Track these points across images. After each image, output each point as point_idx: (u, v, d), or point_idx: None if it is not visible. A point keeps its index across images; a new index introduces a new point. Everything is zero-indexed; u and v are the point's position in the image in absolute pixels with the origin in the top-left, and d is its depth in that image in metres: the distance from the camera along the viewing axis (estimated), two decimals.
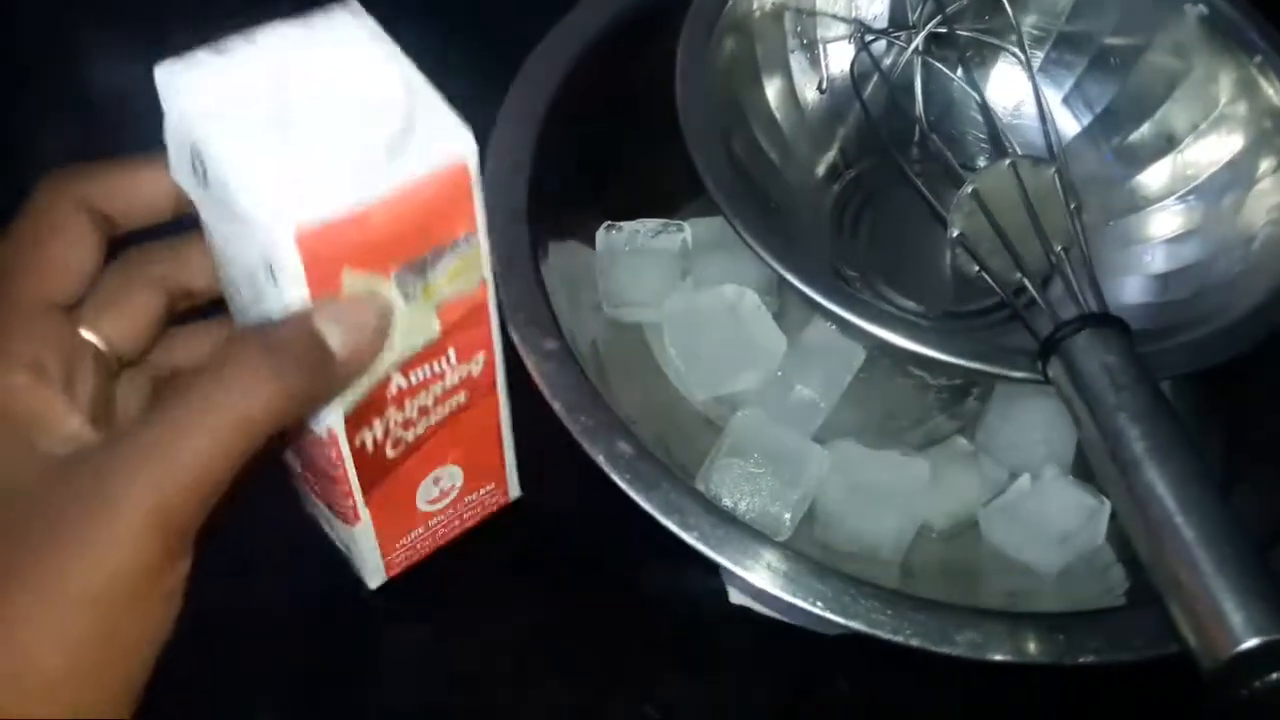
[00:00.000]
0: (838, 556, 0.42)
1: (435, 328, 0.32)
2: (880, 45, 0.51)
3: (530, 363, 0.36)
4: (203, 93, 0.29)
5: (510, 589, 0.41)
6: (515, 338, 0.37)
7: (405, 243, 0.29)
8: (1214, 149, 0.47)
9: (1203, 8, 0.47)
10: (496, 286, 0.33)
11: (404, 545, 0.38)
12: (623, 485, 0.35)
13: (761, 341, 0.44)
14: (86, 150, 0.32)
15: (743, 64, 0.47)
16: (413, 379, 0.32)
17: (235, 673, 0.39)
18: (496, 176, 0.41)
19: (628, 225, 0.46)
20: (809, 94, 0.51)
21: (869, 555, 0.42)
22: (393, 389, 0.32)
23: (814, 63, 0.51)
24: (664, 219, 0.46)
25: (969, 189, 0.40)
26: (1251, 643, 0.27)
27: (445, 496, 0.38)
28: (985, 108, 0.47)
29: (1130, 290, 0.47)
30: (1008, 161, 0.40)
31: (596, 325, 0.46)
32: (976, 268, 0.40)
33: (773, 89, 0.49)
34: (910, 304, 0.47)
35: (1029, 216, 0.39)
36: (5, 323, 0.28)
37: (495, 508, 0.40)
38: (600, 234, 0.46)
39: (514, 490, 0.41)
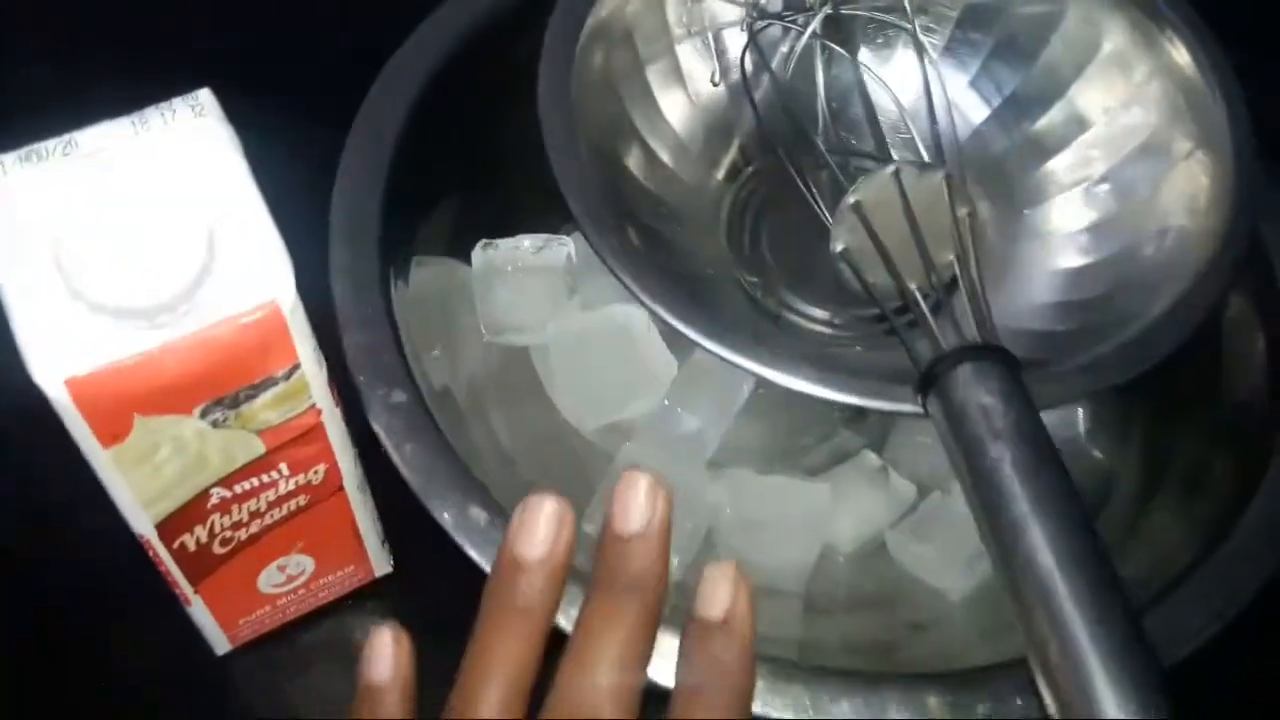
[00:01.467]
0: None
1: (258, 447, 0.31)
2: (776, 31, 0.48)
3: (376, 423, 0.34)
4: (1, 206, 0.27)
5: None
6: (360, 392, 0.34)
7: (207, 383, 0.28)
8: (1126, 133, 0.44)
9: None
10: (340, 355, 0.31)
11: (248, 621, 0.38)
12: (473, 555, 0.32)
13: (652, 365, 0.42)
14: None
15: (622, 60, 0.44)
16: (237, 489, 0.32)
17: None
18: (346, 200, 0.38)
19: (505, 242, 0.43)
20: (702, 87, 0.48)
21: (770, 588, 0.40)
22: (214, 499, 0.31)
23: (705, 52, 0.48)
24: (546, 234, 0.43)
25: (850, 200, 0.37)
26: None
27: (293, 581, 0.37)
28: (868, 104, 0.44)
29: (1040, 288, 0.44)
30: (891, 169, 0.37)
31: (477, 350, 0.43)
32: (860, 286, 0.38)
33: (659, 84, 0.46)
34: (816, 311, 0.45)
35: (911, 230, 0.36)
36: None
37: (357, 585, 0.39)
38: (476, 253, 0.43)
39: (381, 568, 0.39)
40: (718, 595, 0.27)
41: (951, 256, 0.38)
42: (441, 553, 0.35)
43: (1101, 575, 0.27)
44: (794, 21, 0.47)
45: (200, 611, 0.36)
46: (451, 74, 0.42)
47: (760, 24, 0.47)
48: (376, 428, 0.34)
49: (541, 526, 0.27)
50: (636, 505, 0.27)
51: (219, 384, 0.29)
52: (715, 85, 0.48)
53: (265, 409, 0.30)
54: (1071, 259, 0.45)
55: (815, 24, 0.47)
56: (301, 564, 0.37)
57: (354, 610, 0.40)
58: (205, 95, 0.30)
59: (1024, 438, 0.30)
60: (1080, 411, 0.43)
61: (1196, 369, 0.41)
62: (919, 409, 0.33)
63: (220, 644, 0.38)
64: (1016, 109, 0.47)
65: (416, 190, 0.40)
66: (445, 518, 0.32)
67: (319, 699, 0.39)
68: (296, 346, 0.29)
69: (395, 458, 0.33)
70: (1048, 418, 0.42)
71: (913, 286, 0.37)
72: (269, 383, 0.29)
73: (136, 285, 0.26)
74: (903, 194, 0.37)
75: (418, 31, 0.42)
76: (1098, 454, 0.43)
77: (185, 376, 0.28)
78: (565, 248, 0.43)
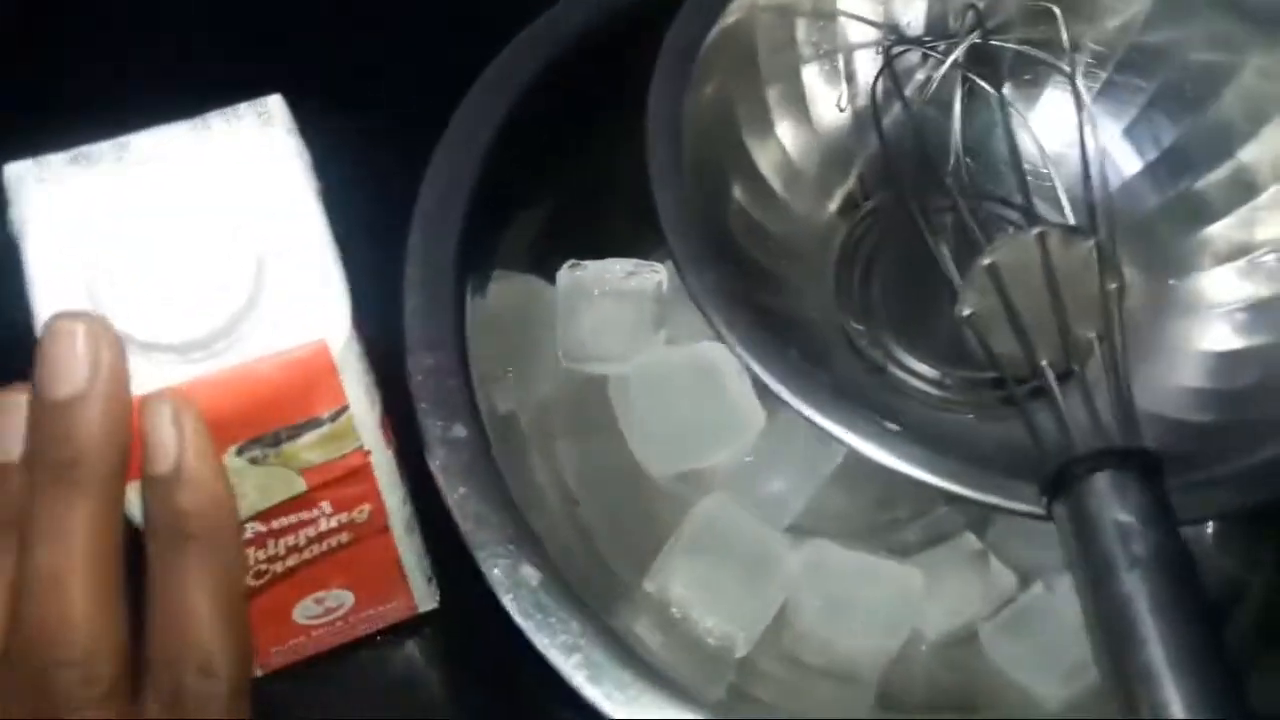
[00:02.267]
0: (807, 672, 0.36)
1: (299, 485, 0.28)
2: (913, 58, 0.44)
3: (433, 461, 0.31)
4: (37, 211, 0.26)
5: (399, 691, 0.37)
6: (421, 423, 0.31)
7: (243, 421, 0.26)
8: None
9: None
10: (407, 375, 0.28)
11: (280, 651, 0.35)
12: (518, 619, 0.29)
13: (739, 413, 0.38)
14: None
15: (741, 79, 0.40)
16: (275, 525, 0.29)
17: None
18: (428, 212, 0.35)
19: (594, 264, 0.40)
20: (824, 112, 0.44)
21: (844, 674, 0.36)
22: (249, 533, 0.29)
23: (833, 75, 0.44)
24: (636, 259, 0.40)
25: (985, 262, 0.33)
26: None
27: (331, 614, 0.34)
28: (1010, 146, 0.39)
29: (1183, 370, 0.39)
30: (1035, 231, 0.33)
31: (552, 374, 0.40)
32: (986, 356, 0.34)
33: (779, 106, 0.42)
34: (926, 369, 0.40)
35: (1052, 301, 0.32)
36: None
37: (399, 619, 0.37)
38: (563, 273, 0.40)
39: (425, 604, 0.37)
40: (162, 444, 0.24)
41: (1093, 335, 0.33)
42: (491, 592, 0.32)
43: None
44: (935, 48, 0.43)
45: None
46: (547, 88, 0.39)
47: (898, 49, 0.43)
48: (432, 465, 0.31)
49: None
50: (72, 359, 0.23)
51: (257, 423, 0.26)
52: (841, 110, 0.44)
53: (308, 449, 0.28)
54: (1223, 340, 0.40)
55: (959, 52, 0.42)
56: (340, 598, 0.34)
57: (393, 644, 0.38)
58: (274, 101, 0.28)
59: (1165, 570, 0.25)
60: None
61: None
62: (1041, 511, 0.29)
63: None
64: (1175, 165, 0.42)
65: (502, 204, 0.37)
66: (495, 574, 0.29)
67: None
68: (346, 388, 0.27)
69: (449, 501, 0.30)
70: None
71: (1045, 364, 0.33)
72: (313, 424, 0.27)
73: (170, 319, 0.24)
74: (1046, 260, 0.32)
75: (514, 42, 0.39)
76: (1226, 561, 0.38)
77: (219, 412, 0.25)
78: (657, 275, 0.40)
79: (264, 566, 0.31)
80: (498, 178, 0.37)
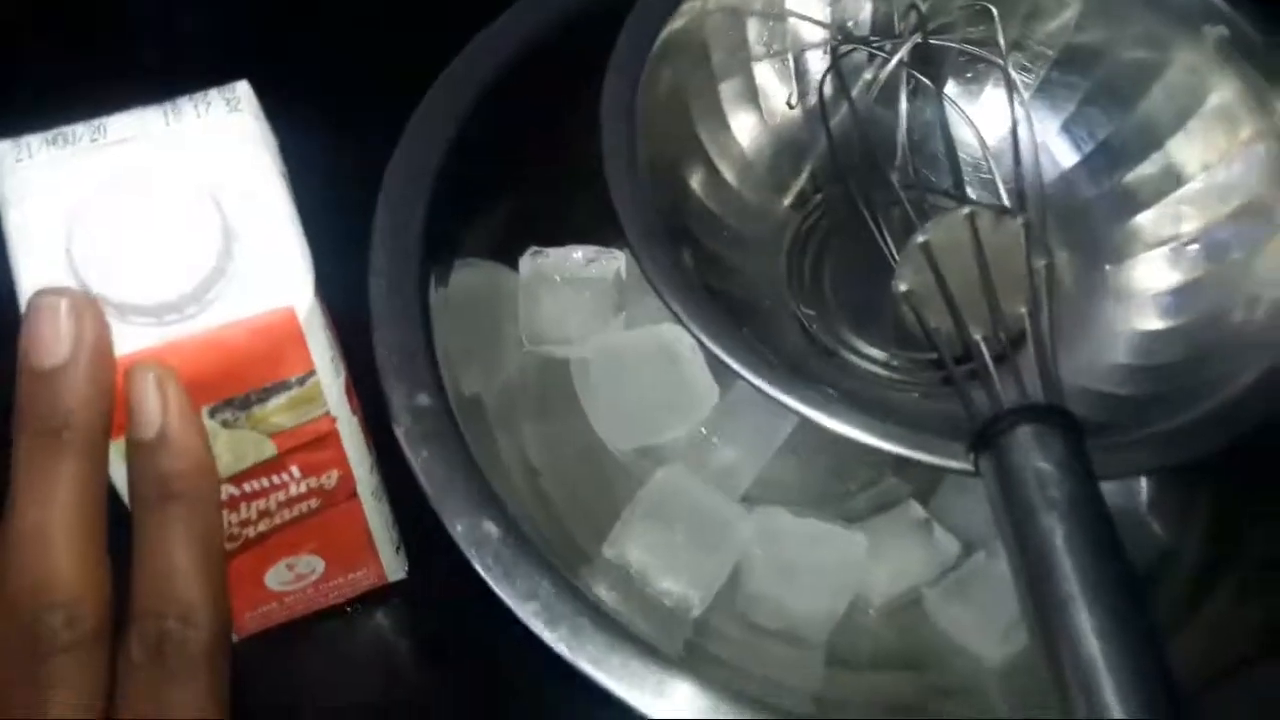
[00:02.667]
0: (760, 632, 0.38)
1: (269, 449, 0.30)
2: (860, 57, 0.46)
3: (397, 426, 0.32)
4: (17, 189, 0.27)
5: (369, 659, 0.38)
6: (385, 393, 0.33)
7: (215, 384, 0.27)
8: (1224, 192, 0.42)
9: (1224, 29, 0.41)
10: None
11: (254, 616, 0.37)
12: (481, 571, 0.31)
13: (693, 390, 0.40)
14: None
15: (694, 74, 0.43)
16: (246, 488, 0.31)
17: None
18: (392, 197, 0.37)
19: (556, 251, 0.42)
20: (777, 108, 0.46)
21: (793, 635, 0.38)
22: (222, 496, 0.30)
23: (784, 73, 0.46)
24: (596, 246, 0.42)
25: (919, 240, 0.35)
26: None
27: (302, 580, 0.36)
28: (949, 140, 0.41)
29: (1115, 348, 0.42)
30: (966, 210, 0.35)
31: (515, 359, 0.42)
32: (922, 331, 0.36)
33: (732, 102, 0.44)
34: (874, 351, 0.43)
35: (982, 277, 0.34)
36: None
37: (369, 588, 0.38)
38: (525, 260, 0.42)
39: (395, 573, 0.38)
40: (146, 410, 0.25)
41: (1022, 309, 0.35)
42: (460, 562, 0.34)
43: (1152, 672, 0.25)
44: (880, 48, 0.45)
45: None
46: (512, 80, 0.41)
47: (845, 48, 0.45)
48: (397, 431, 0.32)
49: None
50: (57, 332, 0.24)
51: (228, 385, 0.28)
52: (791, 108, 0.46)
53: (277, 413, 0.29)
54: (1152, 320, 0.42)
55: (903, 52, 0.45)
56: (311, 564, 0.36)
57: (364, 613, 0.39)
58: (243, 88, 0.29)
59: (1080, 512, 0.27)
60: (1143, 481, 0.40)
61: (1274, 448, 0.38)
62: (969, 467, 0.31)
63: None
64: (1109, 157, 0.45)
65: (467, 192, 0.39)
66: (457, 529, 0.31)
67: (316, 698, 0.39)
68: (312, 353, 0.28)
69: (413, 463, 0.32)
70: (1106, 486, 0.40)
71: (977, 337, 0.35)
72: (281, 387, 0.29)
73: (144, 282, 0.26)
74: (976, 238, 0.35)
75: (479, 36, 0.41)
76: (1158, 527, 0.40)
77: (191, 375, 0.27)
78: (616, 262, 0.41)
79: (236, 530, 0.33)
80: (462, 166, 0.39)
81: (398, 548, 0.37)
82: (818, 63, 0.46)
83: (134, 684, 0.25)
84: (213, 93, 0.29)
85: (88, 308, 0.25)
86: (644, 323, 0.41)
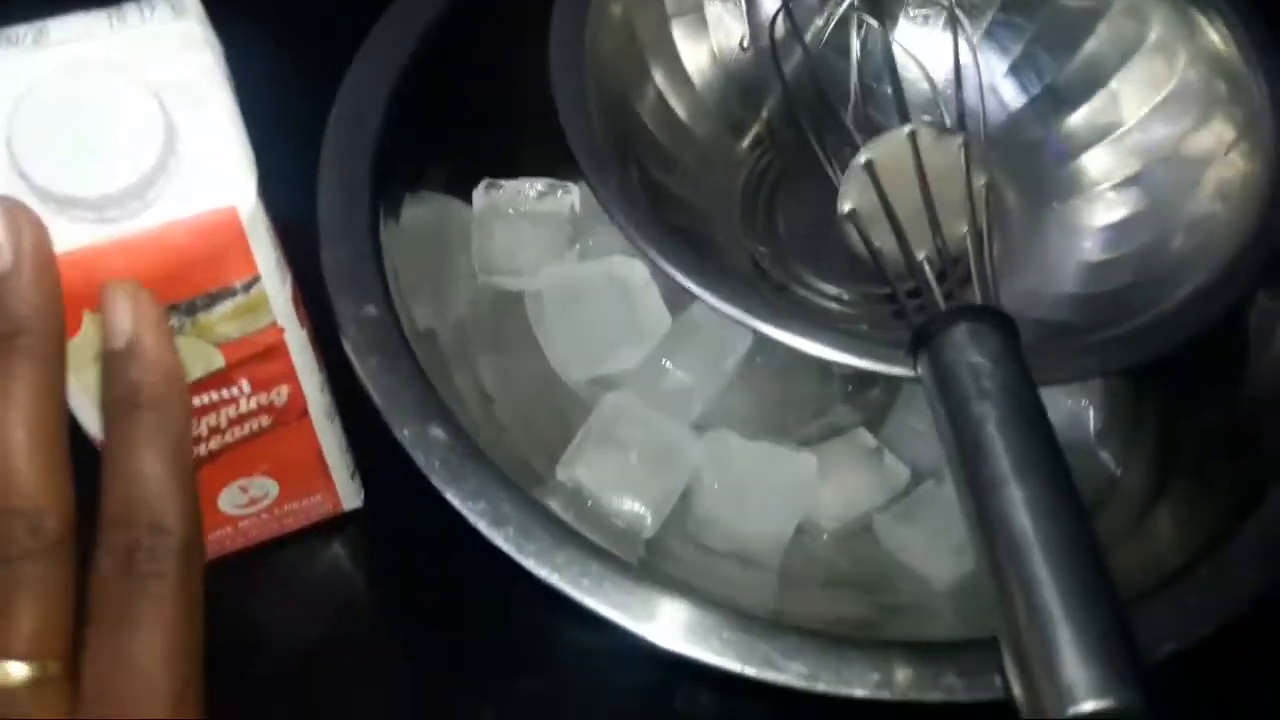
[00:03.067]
0: (711, 554, 0.38)
1: (217, 360, 0.30)
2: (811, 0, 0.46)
3: (345, 337, 0.33)
4: None
5: (325, 589, 0.38)
6: (333, 307, 0.33)
7: (159, 286, 0.27)
8: (1165, 127, 0.43)
9: None
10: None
11: (208, 541, 0.36)
12: (426, 473, 0.31)
13: (645, 320, 0.40)
14: None
15: (646, 9, 0.43)
16: (197, 402, 0.31)
17: None
18: (344, 121, 0.37)
19: (510, 184, 0.42)
20: (730, 48, 0.46)
21: (744, 556, 0.38)
22: None
23: (737, 14, 0.46)
24: (550, 179, 0.42)
25: (861, 159, 0.36)
26: (1086, 707, 0.23)
27: (256, 504, 0.36)
28: (897, 80, 0.42)
29: (1063, 279, 0.42)
30: (907, 129, 0.36)
31: (469, 293, 0.42)
32: (867, 251, 0.36)
33: (685, 40, 0.45)
34: (826, 286, 0.43)
35: (923, 194, 0.35)
36: None
37: (327, 516, 0.38)
38: (479, 192, 0.42)
39: (350, 501, 0.38)
40: (118, 321, 0.26)
41: (964, 228, 0.36)
42: (418, 492, 0.34)
43: (1080, 542, 0.26)
44: None
45: None
46: (469, 10, 0.41)
47: None
48: (345, 342, 0.33)
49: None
50: None
51: (173, 288, 0.28)
52: (744, 50, 0.47)
53: (224, 321, 0.29)
54: (1098, 252, 0.43)
55: None
56: (265, 487, 0.36)
57: (319, 541, 0.39)
58: None
59: (1011, 398, 0.28)
60: (1091, 412, 0.41)
61: (1215, 369, 0.39)
62: (909, 371, 0.32)
63: None
64: (1055, 98, 0.46)
65: (419, 123, 0.39)
66: (404, 434, 0.31)
67: (272, 627, 0.38)
68: (256, 257, 0.28)
69: (360, 372, 0.32)
70: (1056, 415, 0.40)
71: (920, 255, 0.36)
72: (227, 293, 0.29)
73: (85, 176, 0.25)
74: (917, 156, 0.35)
75: None
76: (1105, 455, 0.41)
77: (136, 276, 0.27)
78: (570, 195, 0.42)
79: None
80: (416, 93, 0.39)
81: (352, 474, 0.38)
82: (770, 3, 0.46)
83: (102, 596, 0.24)
84: None
85: (24, 214, 0.25)
86: (598, 256, 0.42)
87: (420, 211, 0.41)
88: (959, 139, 0.36)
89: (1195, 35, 0.41)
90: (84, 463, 0.26)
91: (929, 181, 0.36)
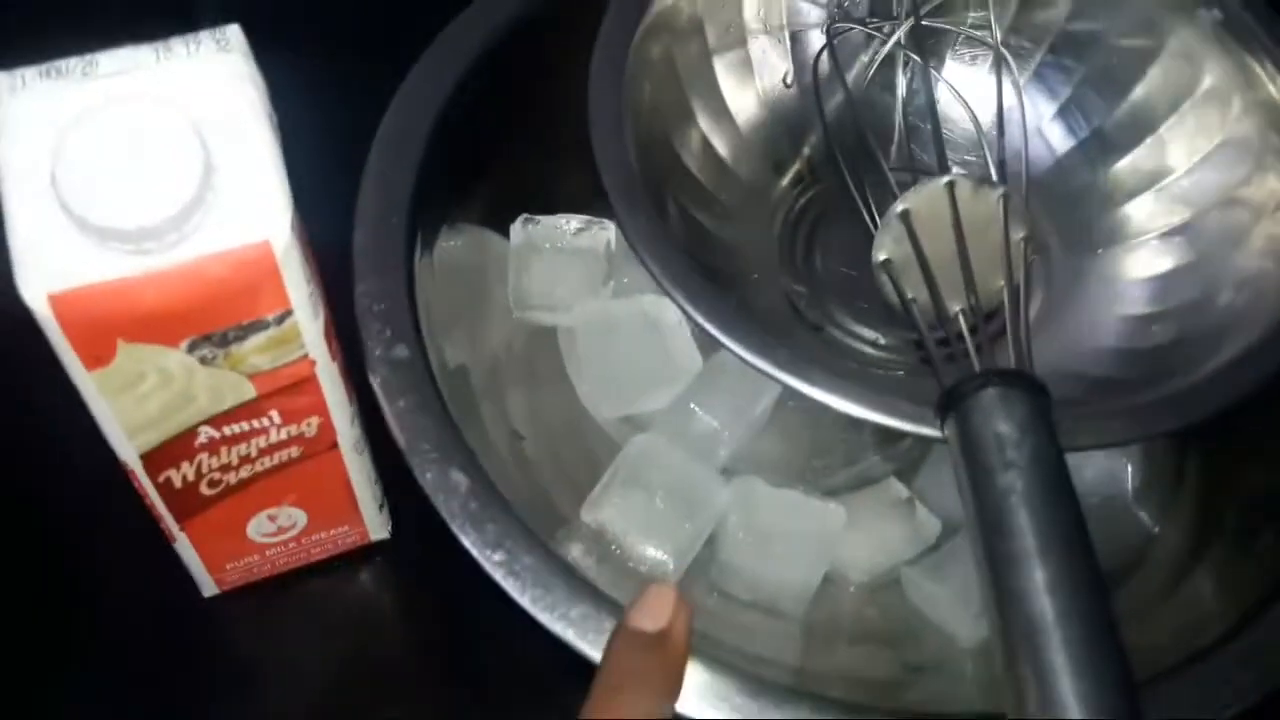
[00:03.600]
0: (735, 603, 0.38)
1: (248, 391, 0.30)
2: (858, 37, 0.46)
3: (374, 376, 0.33)
4: (10, 119, 0.28)
5: (349, 619, 0.39)
6: (364, 343, 0.33)
7: (193, 317, 0.28)
8: (1217, 176, 0.42)
9: (1218, 13, 0.41)
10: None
11: (235, 567, 0.37)
12: (447, 519, 0.31)
13: (676, 360, 0.40)
14: None
15: (689, 46, 0.43)
16: (227, 431, 0.31)
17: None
18: (384, 154, 0.37)
19: (547, 219, 0.42)
20: (773, 85, 0.46)
21: (768, 606, 0.38)
22: (203, 438, 0.31)
23: (781, 50, 0.46)
24: (587, 215, 0.42)
25: (898, 209, 0.35)
26: None
27: (284, 532, 0.36)
28: (935, 121, 0.41)
29: (1104, 332, 0.41)
30: (945, 180, 0.35)
31: (503, 328, 0.42)
32: (899, 302, 0.36)
33: (728, 77, 0.45)
34: (863, 330, 0.43)
35: (958, 247, 0.34)
36: None
37: (353, 546, 0.39)
38: (516, 227, 0.42)
39: (377, 532, 0.39)
40: (658, 610, 0.28)
41: (1000, 282, 0.35)
42: (445, 527, 0.34)
43: (1100, 626, 0.25)
44: (879, 29, 0.45)
45: (186, 550, 0.36)
46: (511, 44, 0.41)
47: (840, 27, 0.45)
48: (373, 381, 0.33)
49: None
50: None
51: (206, 320, 0.28)
52: (788, 87, 0.46)
53: (256, 352, 0.30)
54: (1141, 305, 0.42)
55: (900, 33, 0.45)
56: (293, 516, 0.36)
57: (344, 572, 0.40)
58: (233, 31, 0.30)
59: (1038, 471, 0.27)
60: (1129, 468, 0.40)
61: (1260, 428, 0.38)
62: (936, 432, 0.31)
63: (207, 586, 0.38)
64: (1104, 143, 0.45)
65: (459, 155, 0.39)
66: (426, 478, 0.31)
67: (296, 654, 0.39)
68: (289, 291, 0.29)
69: (387, 413, 0.32)
70: (1095, 473, 0.40)
71: (955, 309, 0.35)
72: (259, 325, 0.29)
73: (124, 208, 0.26)
74: (955, 208, 0.35)
75: (465, 13, 0.41)
76: (1143, 515, 0.40)
77: (170, 307, 0.27)
78: (606, 232, 0.42)
79: (217, 475, 0.33)
80: (456, 129, 0.39)
81: (381, 505, 0.38)
82: (816, 42, 0.46)
83: None
84: (204, 34, 0.30)
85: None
86: (632, 293, 0.42)
87: (457, 244, 0.41)
88: (999, 191, 0.35)
89: (1251, 84, 0.40)
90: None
91: (966, 233, 0.35)
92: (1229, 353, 0.36)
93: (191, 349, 0.29)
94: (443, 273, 0.38)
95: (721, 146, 0.45)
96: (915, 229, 0.35)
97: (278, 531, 0.36)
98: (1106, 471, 0.41)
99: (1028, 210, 0.38)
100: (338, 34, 0.49)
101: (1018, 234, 0.35)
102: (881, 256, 0.36)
